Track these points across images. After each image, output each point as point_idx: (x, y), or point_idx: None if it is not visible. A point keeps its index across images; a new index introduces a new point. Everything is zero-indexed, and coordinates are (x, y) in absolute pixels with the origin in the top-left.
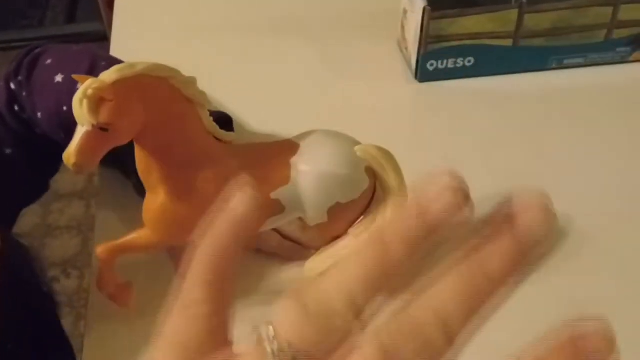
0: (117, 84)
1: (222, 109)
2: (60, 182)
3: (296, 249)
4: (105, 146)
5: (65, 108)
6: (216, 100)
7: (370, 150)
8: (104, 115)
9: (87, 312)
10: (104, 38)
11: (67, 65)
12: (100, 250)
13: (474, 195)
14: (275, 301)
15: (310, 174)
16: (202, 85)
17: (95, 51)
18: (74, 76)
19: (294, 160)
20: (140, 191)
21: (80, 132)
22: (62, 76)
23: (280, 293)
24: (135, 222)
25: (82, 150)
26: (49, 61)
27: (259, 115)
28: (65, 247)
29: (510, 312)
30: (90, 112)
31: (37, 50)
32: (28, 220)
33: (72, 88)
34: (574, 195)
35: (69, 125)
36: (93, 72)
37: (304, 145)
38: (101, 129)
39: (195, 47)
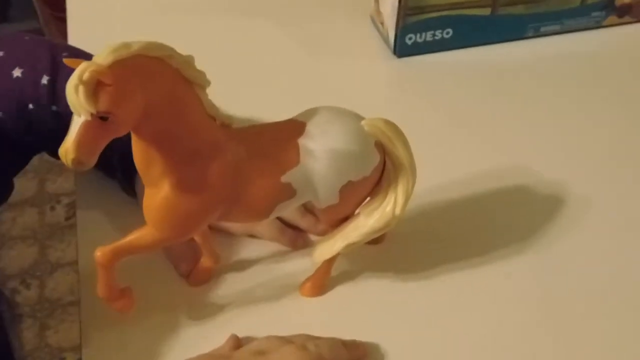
0: (114, 66)
1: None
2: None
3: (297, 235)
4: (105, 137)
5: (31, 106)
6: None
7: (378, 123)
8: (104, 103)
9: (80, 319)
10: (41, 35)
11: (24, 57)
12: (100, 253)
13: (459, 169)
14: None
15: (320, 153)
16: None
17: (49, 41)
18: (66, 60)
19: (302, 140)
20: (127, 187)
21: (77, 123)
22: (22, 70)
23: (287, 287)
24: (122, 222)
25: (81, 144)
26: (0, 54)
27: (231, 98)
28: (22, 256)
29: (512, 279)
30: (88, 100)
31: None
32: None
33: (36, 82)
34: (559, 163)
35: (39, 126)
36: (55, 64)
37: (310, 123)
38: (100, 118)
39: (160, 31)
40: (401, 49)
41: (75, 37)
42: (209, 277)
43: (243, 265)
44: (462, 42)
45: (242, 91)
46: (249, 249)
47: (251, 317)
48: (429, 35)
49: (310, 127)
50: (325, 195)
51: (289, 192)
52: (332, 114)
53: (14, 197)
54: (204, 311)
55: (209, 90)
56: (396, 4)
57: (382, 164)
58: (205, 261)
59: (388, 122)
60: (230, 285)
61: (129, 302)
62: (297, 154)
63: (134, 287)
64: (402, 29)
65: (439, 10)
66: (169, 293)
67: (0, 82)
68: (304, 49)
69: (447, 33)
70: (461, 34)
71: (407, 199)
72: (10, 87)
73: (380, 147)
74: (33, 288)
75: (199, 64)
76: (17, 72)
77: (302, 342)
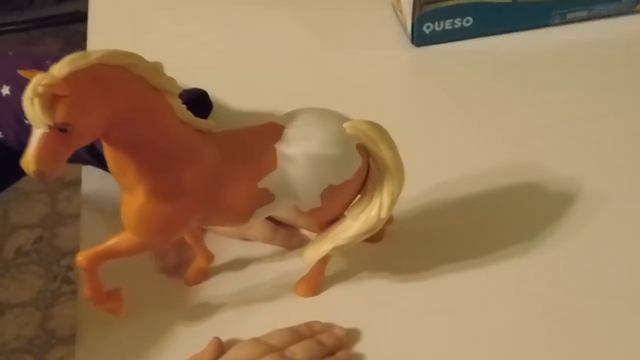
0: (70, 77)
1: (204, 84)
2: (65, 169)
3: (290, 234)
4: (67, 148)
5: (27, 121)
6: (199, 73)
7: (360, 125)
8: (60, 114)
9: (77, 314)
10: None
11: (9, 74)
12: (81, 258)
13: (469, 163)
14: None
15: (298, 157)
16: (186, 58)
17: (33, 52)
18: (20, 71)
19: (280, 144)
20: None
21: (36, 135)
22: (9, 87)
23: (281, 287)
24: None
25: (41, 156)
26: None
27: (247, 86)
28: (77, 235)
29: (525, 276)
30: (44, 112)
31: None
32: (37, 210)
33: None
34: (582, 156)
35: None
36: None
37: (288, 127)
38: (60, 130)
39: (176, 18)
40: (419, 38)
41: (95, 38)
42: (203, 277)
43: (237, 264)
44: (484, 30)
45: (256, 79)
46: (244, 249)
47: (245, 317)
48: (447, 24)
49: (289, 131)
50: (306, 199)
51: (266, 197)
52: (312, 117)
53: (70, 176)
54: (198, 311)
55: (215, 76)
56: None
57: (366, 167)
58: (199, 261)
59: (372, 124)
60: (224, 285)
61: (118, 304)
62: (274, 158)
63: (128, 286)
64: (419, 18)
65: None
66: (163, 292)
67: None
68: (322, 35)
69: (467, 21)
70: (482, 22)
71: (393, 201)
72: (4, 106)
73: (364, 150)
74: None
75: (211, 50)
76: (5, 90)
77: (278, 353)
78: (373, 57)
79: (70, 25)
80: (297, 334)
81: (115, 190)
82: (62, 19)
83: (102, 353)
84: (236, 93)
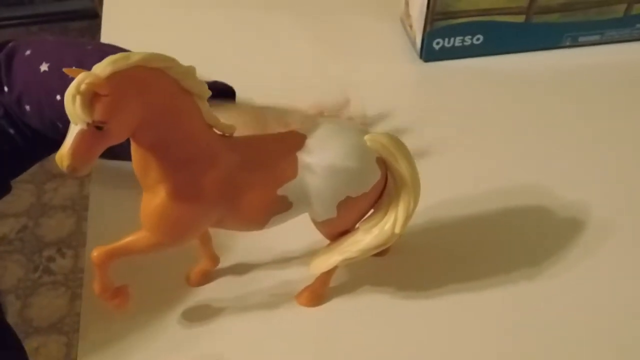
0: (112, 77)
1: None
2: (53, 161)
3: None
4: (101, 145)
5: (59, 97)
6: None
7: (381, 139)
8: (99, 113)
9: (81, 311)
10: (95, 15)
11: (51, 53)
12: (96, 254)
13: (474, 182)
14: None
15: (319, 168)
16: (196, 66)
17: (74, 39)
18: (66, 70)
19: (301, 153)
20: None
21: (73, 131)
22: (48, 64)
23: (283, 294)
24: (131, 206)
25: (76, 152)
26: (28, 52)
27: (256, 96)
28: (60, 226)
29: (520, 305)
30: (85, 110)
31: (10, 45)
32: (23, 199)
33: (63, 75)
34: (590, 180)
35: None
36: (83, 57)
37: (310, 136)
38: (96, 127)
39: (189, 25)
40: (428, 54)
41: (108, 34)
42: (207, 279)
43: (241, 269)
44: (493, 49)
45: (261, 88)
46: (249, 253)
47: (244, 321)
48: (457, 41)
49: (311, 141)
50: (323, 209)
51: (284, 204)
52: (334, 128)
53: (58, 168)
54: (199, 312)
55: (232, 84)
56: (424, 8)
57: (383, 180)
58: (204, 263)
59: (392, 138)
60: (227, 288)
61: (124, 300)
62: (295, 167)
63: (132, 284)
64: (429, 34)
65: (468, 16)
66: (166, 291)
67: (29, 77)
68: (330, 48)
69: (478, 39)
70: (492, 40)
71: (408, 217)
72: (38, 81)
73: (382, 163)
74: (68, 257)
75: (221, 59)
76: (44, 67)
77: None
78: (381, 70)
79: (69, 23)
80: None
81: (124, 184)
82: (61, 16)
83: (103, 348)
84: (243, 98)
